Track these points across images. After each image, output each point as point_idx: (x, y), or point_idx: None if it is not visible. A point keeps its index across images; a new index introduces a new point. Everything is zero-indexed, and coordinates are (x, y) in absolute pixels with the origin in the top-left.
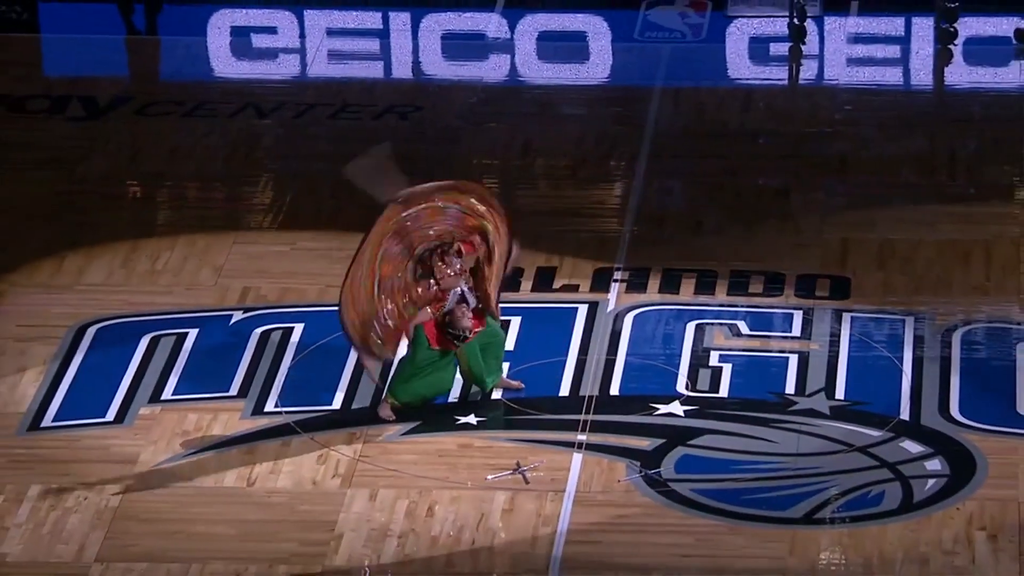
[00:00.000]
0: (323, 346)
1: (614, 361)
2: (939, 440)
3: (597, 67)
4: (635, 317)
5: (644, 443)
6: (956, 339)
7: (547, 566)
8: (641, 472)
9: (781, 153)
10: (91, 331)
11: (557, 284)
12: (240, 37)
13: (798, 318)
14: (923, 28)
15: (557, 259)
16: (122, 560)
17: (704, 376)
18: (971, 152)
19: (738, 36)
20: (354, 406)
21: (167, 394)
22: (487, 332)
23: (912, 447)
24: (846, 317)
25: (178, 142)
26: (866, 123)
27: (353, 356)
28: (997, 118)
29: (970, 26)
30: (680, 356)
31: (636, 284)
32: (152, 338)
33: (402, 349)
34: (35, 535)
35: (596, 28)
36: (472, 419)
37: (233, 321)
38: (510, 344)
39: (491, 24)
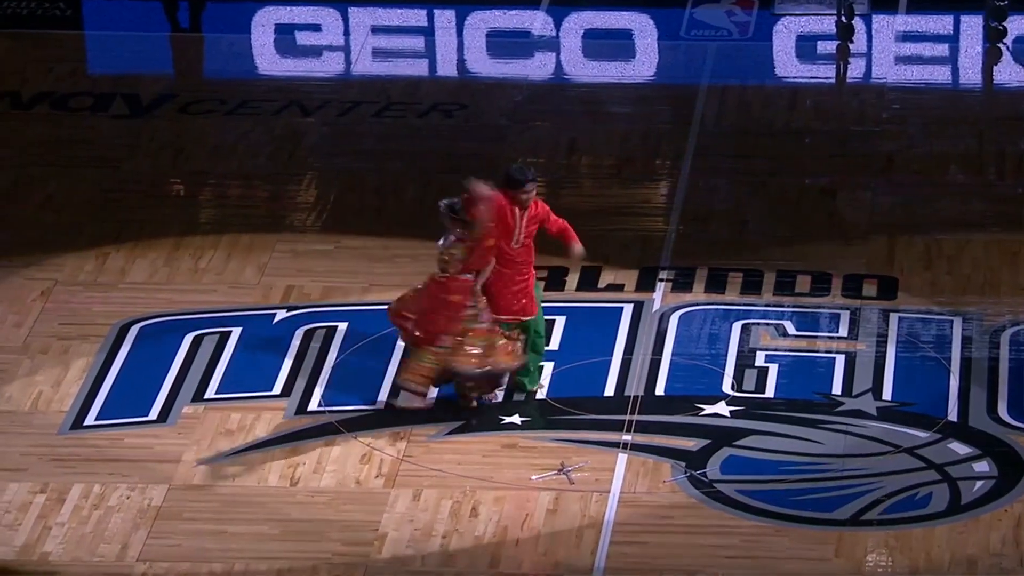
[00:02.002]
0: (366, 345)
1: (659, 361)
2: (987, 441)
3: (643, 65)
4: (680, 317)
5: (690, 443)
6: (1004, 340)
7: (592, 567)
8: (686, 473)
9: (828, 152)
10: (134, 329)
11: (602, 283)
12: (284, 34)
13: (845, 318)
14: (972, 26)
15: (602, 258)
16: (164, 560)
17: (750, 376)
18: (1020, 150)
19: (785, 34)
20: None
21: (210, 393)
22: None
23: (960, 448)
24: (893, 317)
25: (221, 140)
26: (913, 122)
27: (398, 355)
28: None
29: (1020, 24)
30: (726, 356)
31: (682, 283)
32: (195, 337)
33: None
34: (77, 534)
35: (642, 26)
36: (516, 419)
37: (276, 320)
38: (555, 343)
39: (536, 21)
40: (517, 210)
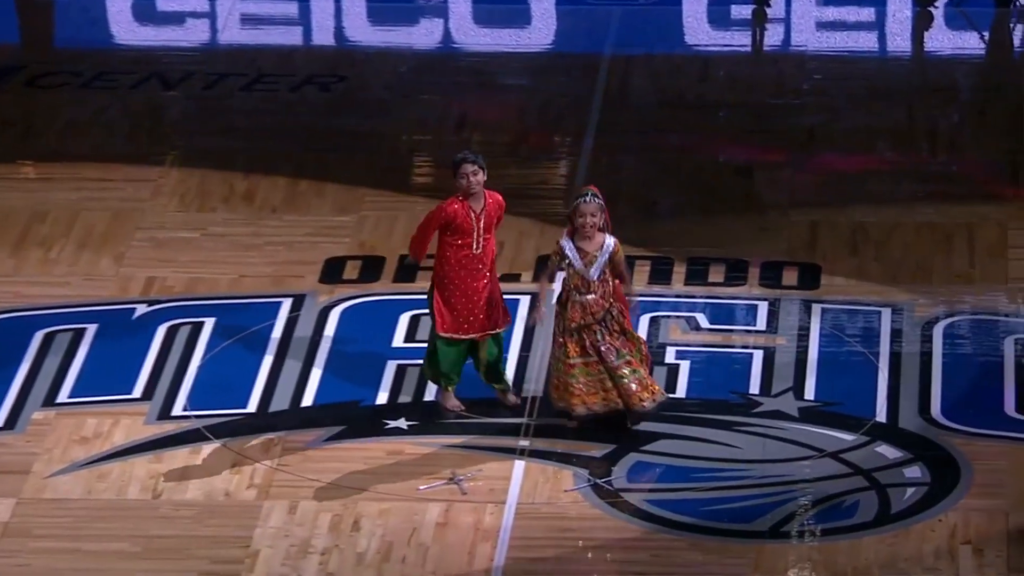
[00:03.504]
0: (236, 342)
1: None
2: (919, 444)
3: (540, 32)
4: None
5: (593, 449)
6: (937, 332)
7: None
8: (590, 481)
9: (744, 127)
10: None
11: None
12: None
13: (763, 310)
14: None
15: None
16: None
17: (659, 374)
18: (953, 124)
19: None
20: (271, 408)
21: (63, 397)
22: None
23: (889, 452)
24: (816, 308)
25: (75, 116)
26: (837, 93)
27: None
28: (981, 87)
29: None
30: None
31: None
32: (46, 334)
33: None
34: None
35: None
36: (403, 423)
37: (136, 315)
38: None
39: None
40: (470, 206)
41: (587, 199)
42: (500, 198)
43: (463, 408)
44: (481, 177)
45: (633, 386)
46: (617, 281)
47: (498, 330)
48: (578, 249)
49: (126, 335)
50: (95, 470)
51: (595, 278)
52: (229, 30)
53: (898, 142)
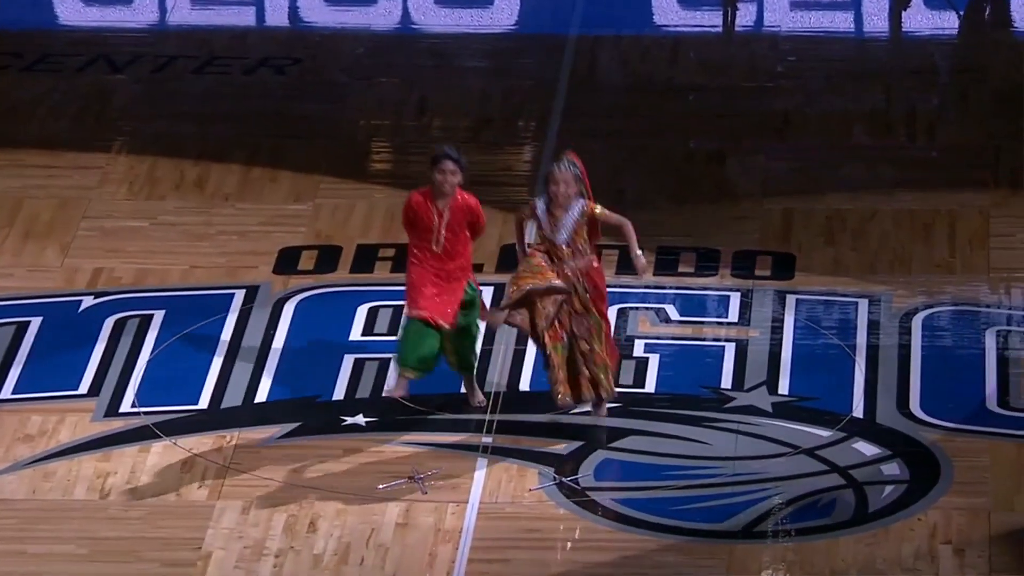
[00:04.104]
0: (187, 336)
1: (524, 351)
2: (897, 440)
3: (503, 12)
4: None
5: (559, 446)
6: (916, 324)
7: None
8: (556, 480)
9: (715, 111)
10: None
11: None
12: None
13: (735, 301)
14: None
15: None
16: None
17: (627, 368)
18: (932, 108)
19: None
20: (224, 405)
21: (5, 393)
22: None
23: (867, 449)
24: (790, 299)
25: (17, 100)
26: (812, 76)
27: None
28: (963, 68)
29: None
30: None
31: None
32: None
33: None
34: None
35: None
36: (360, 419)
37: (83, 308)
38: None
39: None
40: (434, 201)
41: (562, 166)
42: (473, 202)
43: (405, 398)
44: (458, 178)
45: (561, 373)
46: (593, 262)
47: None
48: (550, 214)
49: (72, 328)
50: (40, 469)
51: (563, 242)
52: (179, 10)
53: (876, 126)
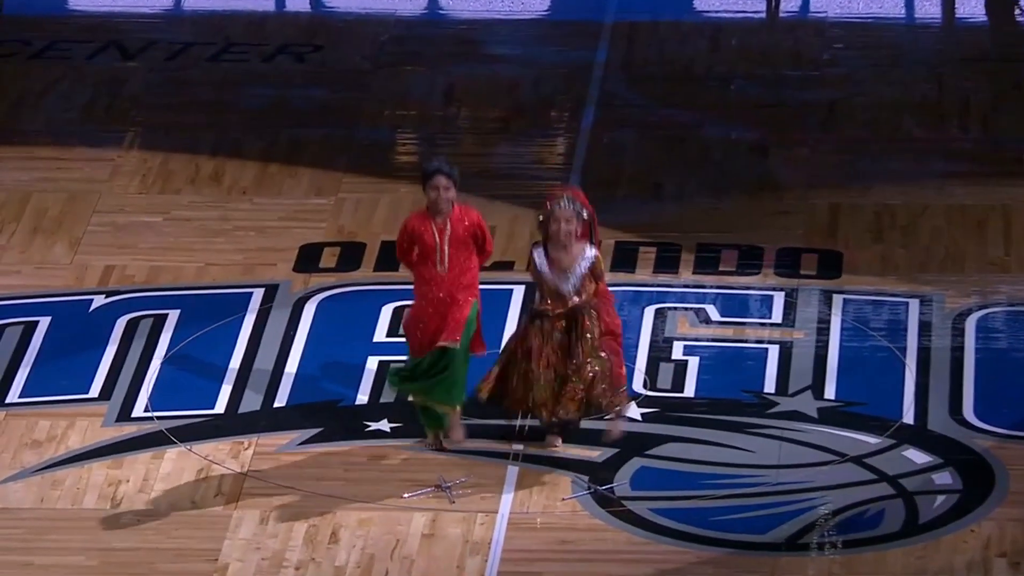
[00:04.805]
0: (203, 337)
1: None
2: (949, 448)
3: None
4: None
5: (593, 454)
6: (970, 325)
7: None
8: (590, 489)
9: (757, 101)
10: None
11: (488, 261)
12: None
13: (779, 301)
14: None
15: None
16: None
17: (666, 372)
18: (986, 98)
19: None
20: (241, 409)
21: (13, 396)
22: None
23: (917, 457)
24: (837, 299)
25: (24, 89)
26: (860, 64)
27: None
28: (1017, 57)
29: None
30: (637, 348)
31: None
32: None
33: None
34: None
35: None
36: (385, 425)
37: (93, 307)
38: None
39: None
40: (432, 221)
41: (562, 203)
42: (476, 217)
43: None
44: (452, 193)
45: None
46: (600, 285)
47: (443, 344)
48: (551, 260)
49: (82, 329)
50: (48, 476)
51: (570, 292)
52: None
53: (926, 117)
